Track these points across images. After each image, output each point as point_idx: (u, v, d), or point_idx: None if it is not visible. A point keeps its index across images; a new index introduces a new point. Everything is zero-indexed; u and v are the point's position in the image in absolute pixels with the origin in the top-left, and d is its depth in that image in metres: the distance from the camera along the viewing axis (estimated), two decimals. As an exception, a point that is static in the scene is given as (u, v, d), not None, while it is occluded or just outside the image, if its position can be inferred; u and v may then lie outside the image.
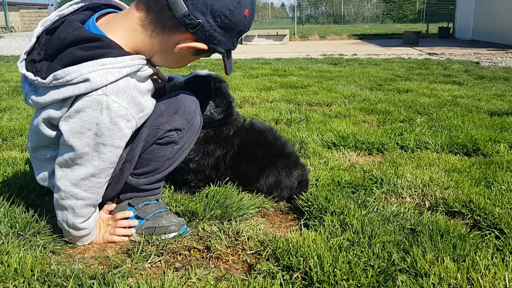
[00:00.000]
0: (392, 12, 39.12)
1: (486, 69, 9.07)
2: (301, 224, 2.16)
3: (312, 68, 8.92)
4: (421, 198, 2.43)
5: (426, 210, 2.26)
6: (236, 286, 1.57)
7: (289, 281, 1.61)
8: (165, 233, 2.01)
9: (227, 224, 2.08)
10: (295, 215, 2.32)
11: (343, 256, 1.69)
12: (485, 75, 7.93)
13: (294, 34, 20.98)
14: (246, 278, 1.64)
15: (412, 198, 2.44)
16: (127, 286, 1.56)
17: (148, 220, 2.03)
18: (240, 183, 2.41)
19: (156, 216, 2.03)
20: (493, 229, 2.00)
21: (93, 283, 1.57)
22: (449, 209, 2.26)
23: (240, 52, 14.09)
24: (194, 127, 2.01)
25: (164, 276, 1.68)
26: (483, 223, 2.07)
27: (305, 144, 3.38)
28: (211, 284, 1.60)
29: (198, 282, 1.65)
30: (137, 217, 2.03)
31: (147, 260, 1.84)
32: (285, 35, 18.63)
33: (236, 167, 2.39)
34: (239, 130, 2.38)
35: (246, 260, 1.85)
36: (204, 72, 2.26)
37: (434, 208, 2.29)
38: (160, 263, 1.85)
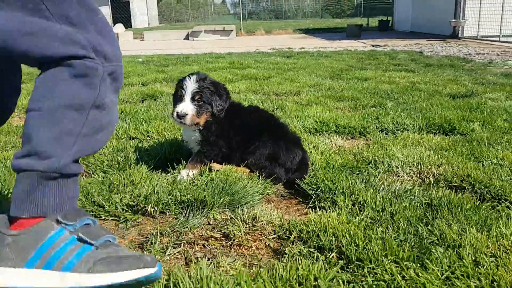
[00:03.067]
0: (330, 8, 40.03)
1: (430, 57, 9.48)
2: (309, 207, 2.13)
3: (267, 61, 8.92)
4: (418, 175, 2.48)
5: (428, 186, 2.30)
6: (273, 271, 1.50)
7: (325, 261, 1.58)
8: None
9: (240, 211, 2.02)
10: (299, 199, 2.29)
11: (374, 233, 1.67)
12: (431, 63, 8.29)
13: (241, 29, 20.92)
14: (282, 262, 1.58)
15: (410, 176, 2.48)
16: (165, 274, 1.45)
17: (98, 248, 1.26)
18: (245, 159, 2.51)
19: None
20: (501, 200, 2.06)
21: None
22: (450, 184, 2.31)
23: (188, 48, 13.87)
24: None
25: (190, 266, 1.59)
26: (487, 195, 2.14)
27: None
28: (241, 271, 1.52)
29: (229, 270, 1.57)
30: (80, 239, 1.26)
31: (165, 252, 1.74)
32: (232, 30, 18.54)
33: (243, 143, 2.54)
34: (244, 113, 2.65)
35: (270, 245, 1.80)
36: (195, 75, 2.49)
37: (435, 184, 2.33)
38: (180, 254, 1.75)
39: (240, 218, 1.95)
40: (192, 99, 2.40)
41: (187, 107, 2.38)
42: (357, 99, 4.68)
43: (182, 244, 1.81)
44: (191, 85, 2.39)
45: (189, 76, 2.44)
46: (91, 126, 1.27)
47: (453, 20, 14.40)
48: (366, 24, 22.62)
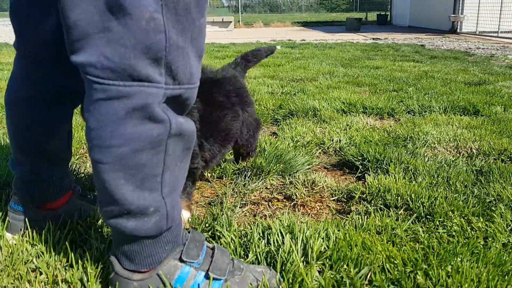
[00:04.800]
0: (325, 2, 40.14)
1: (433, 50, 9.60)
2: (357, 176, 2.23)
3: (273, 50, 8.97)
4: (456, 150, 2.58)
5: (469, 158, 2.40)
6: (352, 221, 1.59)
7: (394, 216, 1.67)
8: None
9: (297, 176, 2.10)
10: (344, 170, 2.37)
11: (437, 193, 1.77)
12: (435, 55, 8.41)
13: (239, 21, 20.95)
14: (348, 216, 1.67)
15: (448, 150, 2.58)
16: (262, 225, 1.53)
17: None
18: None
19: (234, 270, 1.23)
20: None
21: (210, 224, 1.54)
22: (488, 158, 2.42)
23: (189, 37, 13.83)
24: None
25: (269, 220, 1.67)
26: (529, 166, 2.25)
27: (318, 110, 3.45)
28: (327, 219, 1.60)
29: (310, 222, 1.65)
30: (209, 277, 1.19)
31: (233, 210, 1.82)
32: (231, 22, 18.55)
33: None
34: None
35: (332, 206, 1.89)
36: None
37: (475, 157, 2.43)
38: (248, 212, 1.84)
39: (300, 182, 2.03)
40: None
41: None
42: (375, 84, 4.77)
43: (247, 204, 1.90)
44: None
45: None
46: (173, 158, 1.11)
47: (452, 15, 14.56)
48: (365, 18, 22.74)
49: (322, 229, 1.42)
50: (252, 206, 1.89)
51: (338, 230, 1.44)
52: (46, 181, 1.44)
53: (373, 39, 13.28)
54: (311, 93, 4.26)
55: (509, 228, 1.55)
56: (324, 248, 1.33)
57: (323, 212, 1.84)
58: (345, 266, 1.23)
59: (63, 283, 1.19)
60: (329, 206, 1.89)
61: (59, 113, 1.40)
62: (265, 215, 1.80)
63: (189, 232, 1.23)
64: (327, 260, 1.28)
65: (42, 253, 1.31)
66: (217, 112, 1.78)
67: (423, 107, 3.59)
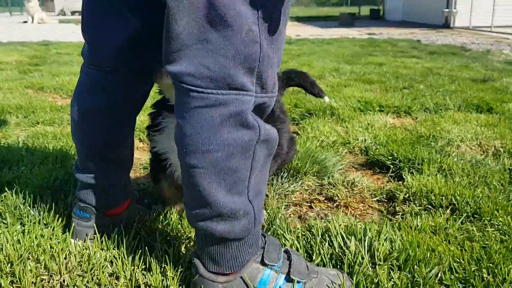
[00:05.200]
0: (315, -4, 40.20)
1: (429, 45, 9.70)
2: (389, 176, 2.27)
3: (273, 46, 8.99)
4: (480, 148, 2.64)
5: (495, 157, 2.46)
6: (404, 222, 1.64)
7: (444, 216, 1.72)
8: None
9: (337, 176, 2.15)
10: (374, 170, 2.42)
11: (481, 193, 1.83)
12: (433, 50, 8.51)
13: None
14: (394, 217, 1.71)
15: (472, 149, 2.64)
16: (320, 227, 1.57)
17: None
18: None
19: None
20: None
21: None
22: (514, 155, 2.49)
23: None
24: None
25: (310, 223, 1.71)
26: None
27: (335, 109, 3.49)
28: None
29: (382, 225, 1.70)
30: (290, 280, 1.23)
31: (278, 212, 1.86)
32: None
33: None
34: None
35: (375, 207, 1.93)
36: None
37: (502, 156, 2.50)
38: (292, 214, 1.87)
39: (339, 182, 2.08)
40: None
41: None
42: (383, 82, 4.83)
43: (290, 205, 1.94)
44: None
45: None
46: (258, 163, 1.15)
47: (446, 10, 14.70)
48: (358, 12, 22.83)
49: (383, 231, 1.47)
50: (295, 207, 1.94)
51: (400, 232, 1.48)
52: (113, 188, 1.47)
53: (368, 34, 13.35)
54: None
55: (555, 226, 1.61)
56: (389, 250, 1.38)
57: (367, 213, 1.89)
58: (416, 267, 1.28)
59: (147, 287, 1.22)
60: (372, 207, 1.93)
61: (128, 121, 1.44)
62: (310, 217, 1.84)
63: (264, 237, 1.27)
64: (395, 261, 1.33)
65: (115, 258, 1.34)
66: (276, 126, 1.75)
67: (438, 105, 3.66)
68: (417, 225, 1.58)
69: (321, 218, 1.82)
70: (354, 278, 1.28)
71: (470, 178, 2.03)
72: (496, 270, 1.27)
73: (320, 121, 3.22)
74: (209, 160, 1.08)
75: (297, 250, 1.45)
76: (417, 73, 5.44)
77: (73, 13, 27.71)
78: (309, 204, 1.96)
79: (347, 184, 2.08)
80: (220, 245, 1.16)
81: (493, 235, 1.53)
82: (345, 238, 1.43)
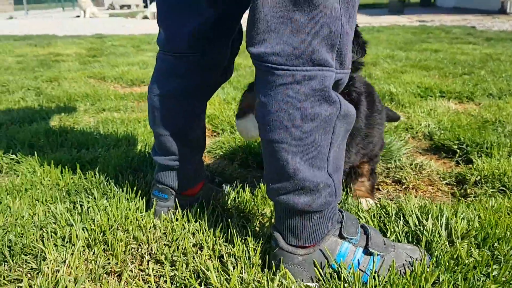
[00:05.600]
0: (363, -16, 39.23)
1: (486, 32, 9.30)
2: (457, 160, 2.23)
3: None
4: (551, 133, 2.55)
5: None
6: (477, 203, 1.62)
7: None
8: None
9: (404, 160, 2.14)
10: (440, 154, 2.37)
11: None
12: (490, 37, 8.15)
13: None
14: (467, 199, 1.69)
15: (542, 134, 2.55)
16: (392, 207, 1.58)
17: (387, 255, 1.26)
18: None
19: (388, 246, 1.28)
20: None
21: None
22: None
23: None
24: None
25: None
26: None
27: (394, 95, 3.45)
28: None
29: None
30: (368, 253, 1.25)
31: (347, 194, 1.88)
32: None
33: None
34: None
35: (444, 189, 1.92)
36: None
37: None
38: (362, 196, 1.89)
39: (407, 165, 2.07)
40: None
41: None
42: (441, 68, 4.70)
43: (358, 188, 1.95)
44: None
45: None
46: (337, 138, 1.17)
47: (503, -6, 14.03)
48: None
49: (459, 211, 1.46)
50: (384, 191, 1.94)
51: (476, 212, 1.47)
52: (189, 169, 1.55)
53: (419, 21, 12.96)
54: (378, 77, 4.25)
55: None
56: (466, 228, 1.37)
57: (437, 196, 1.87)
58: (496, 245, 1.27)
59: (230, 257, 1.28)
60: (441, 190, 1.92)
61: (201, 104, 1.51)
62: (379, 198, 1.85)
63: (341, 212, 1.30)
64: (473, 239, 1.33)
65: (197, 230, 1.41)
66: (376, 117, 1.70)
67: (502, 91, 3.53)
68: (493, 206, 1.55)
69: (391, 200, 1.82)
70: (433, 254, 1.29)
71: (546, 162, 1.97)
72: None
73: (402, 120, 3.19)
74: (294, 134, 1.12)
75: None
76: (476, 59, 5.25)
77: (121, 7, 28.51)
78: (377, 186, 1.97)
79: (415, 167, 2.07)
80: (301, 218, 1.20)
81: None
82: (420, 217, 1.44)
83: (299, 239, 1.22)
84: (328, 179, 1.18)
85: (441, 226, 1.37)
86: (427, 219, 1.41)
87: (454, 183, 1.95)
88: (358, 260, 1.22)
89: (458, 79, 4.08)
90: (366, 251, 1.23)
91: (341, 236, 1.24)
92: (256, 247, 1.30)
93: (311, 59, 1.07)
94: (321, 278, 1.20)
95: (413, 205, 1.53)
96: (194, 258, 1.29)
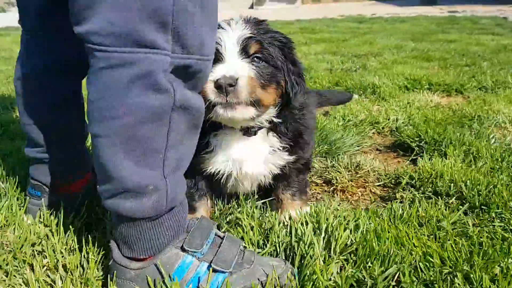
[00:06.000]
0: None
1: (518, 23, 8.73)
2: (412, 159, 2.00)
3: (340, 25, 8.62)
4: (531, 131, 2.26)
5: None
6: (390, 211, 1.40)
7: (444, 206, 1.45)
8: None
9: (341, 159, 1.93)
10: (398, 152, 2.15)
11: (498, 180, 1.53)
12: (520, 27, 7.63)
13: (307, -3, 20.41)
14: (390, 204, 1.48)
15: (521, 131, 2.27)
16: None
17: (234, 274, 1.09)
18: None
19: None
20: None
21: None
22: None
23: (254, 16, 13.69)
24: None
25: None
26: None
27: (377, 87, 3.20)
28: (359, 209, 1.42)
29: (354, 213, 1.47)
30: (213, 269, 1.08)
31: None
32: (298, -2, 18.14)
33: None
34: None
35: (376, 192, 1.70)
36: None
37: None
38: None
39: (342, 165, 1.86)
40: (244, 52, 1.25)
41: (236, 64, 1.22)
42: (445, 59, 4.38)
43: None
44: (237, 30, 1.26)
45: (229, 21, 1.31)
46: (178, 134, 1.02)
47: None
48: (443, -11, 21.27)
49: (352, 219, 1.26)
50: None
51: (370, 221, 1.26)
52: (62, 162, 1.39)
53: (450, 12, 12.36)
54: (373, 68, 3.99)
55: None
56: (351, 241, 1.17)
57: (365, 199, 1.66)
58: (369, 264, 1.07)
59: (64, 268, 1.13)
60: (373, 192, 1.70)
61: (67, 86, 1.34)
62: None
63: (196, 220, 1.13)
64: (352, 255, 1.12)
65: (52, 234, 1.27)
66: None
67: (497, 83, 3.21)
68: (401, 215, 1.33)
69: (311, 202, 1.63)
70: (303, 270, 1.10)
71: (496, 164, 1.71)
72: (472, 276, 1.02)
73: (356, 99, 2.96)
74: (114, 127, 0.95)
75: (254, 236, 1.28)
76: (488, 50, 4.87)
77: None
78: (303, 187, 1.77)
79: (352, 167, 1.85)
80: (131, 225, 1.04)
81: (493, 231, 1.25)
82: (304, 226, 1.24)
83: (133, 251, 1.06)
84: (160, 181, 1.01)
85: (322, 238, 1.18)
86: (308, 228, 1.21)
87: (391, 185, 1.73)
88: (199, 277, 1.05)
89: (456, 70, 3.76)
90: (211, 267, 1.06)
91: (183, 248, 1.06)
92: (97, 257, 1.15)
93: (134, 39, 0.90)
94: None
95: (306, 212, 1.34)
96: (29, 268, 1.14)
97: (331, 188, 1.74)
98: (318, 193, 1.74)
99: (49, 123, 1.33)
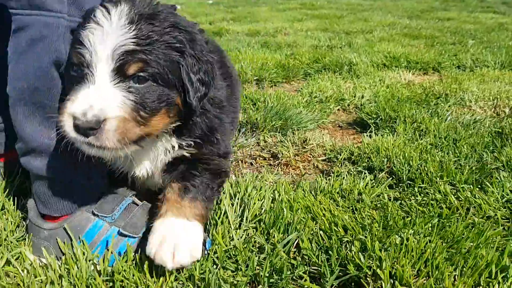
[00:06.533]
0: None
1: (526, 1, 8.54)
2: (366, 135, 2.01)
3: (342, 2, 8.52)
4: (493, 109, 2.26)
5: (501, 119, 2.08)
6: (315, 184, 1.43)
7: (374, 180, 1.48)
8: None
9: (291, 134, 1.95)
10: (357, 129, 2.16)
11: (432, 157, 1.55)
12: (526, 6, 7.48)
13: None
14: (327, 178, 1.51)
15: (483, 110, 2.26)
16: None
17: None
18: None
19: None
20: None
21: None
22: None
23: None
24: None
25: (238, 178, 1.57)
26: None
27: (353, 64, 3.19)
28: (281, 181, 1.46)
29: (275, 184, 1.52)
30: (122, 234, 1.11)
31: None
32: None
33: None
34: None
35: (318, 166, 1.73)
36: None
37: (506, 117, 2.11)
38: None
39: (290, 140, 1.88)
40: (120, 72, 0.97)
41: (104, 96, 0.95)
42: (435, 37, 4.33)
43: (232, 162, 1.79)
44: (114, 35, 0.95)
45: (108, 7, 0.98)
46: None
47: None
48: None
49: (269, 190, 1.29)
50: (235, 163, 1.79)
51: (287, 192, 1.30)
52: None
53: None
54: (358, 46, 3.96)
55: (504, 200, 1.31)
56: (264, 210, 1.21)
57: (306, 173, 1.69)
58: (273, 231, 1.10)
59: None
60: (316, 166, 1.73)
61: None
62: (242, 173, 1.69)
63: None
64: (261, 223, 1.16)
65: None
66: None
67: (477, 62, 3.19)
68: (324, 188, 1.36)
69: (253, 175, 1.66)
70: (216, 238, 1.14)
71: (438, 140, 1.73)
72: (368, 244, 1.05)
73: (329, 76, 2.96)
74: (17, 89, 1.01)
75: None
76: (481, 28, 4.80)
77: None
78: (251, 160, 1.81)
79: (300, 142, 1.88)
80: (44, 183, 1.09)
81: (409, 205, 1.28)
82: (222, 195, 1.28)
83: (47, 208, 1.11)
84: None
85: (236, 206, 1.21)
86: (226, 197, 1.25)
87: (335, 160, 1.76)
88: (107, 241, 1.10)
89: (440, 49, 3.73)
90: (121, 232, 1.11)
91: (93, 212, 1.11)
92: (17, 221, 1.20)
93: (31, 1, 0.94)
94: (63, 258, 1.08)
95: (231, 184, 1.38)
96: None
97: (276, 162, 1.78)
98: (263, 166, 1.77)
99: None
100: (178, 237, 1.00)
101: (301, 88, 2.72)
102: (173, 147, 1.14)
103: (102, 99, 0.92)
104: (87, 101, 0.91)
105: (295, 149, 1.84)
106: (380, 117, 2.08)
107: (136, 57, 0.94)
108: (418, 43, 4.08)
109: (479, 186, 1.37)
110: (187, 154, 1.15)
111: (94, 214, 1.11)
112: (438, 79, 2.89)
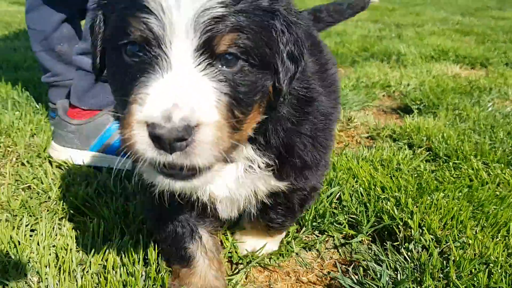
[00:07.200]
0: None
1: None
2: (409, 117, 2.14)
3: (393, -4, 8.47)
4: (537, 104, 2.33)
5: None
6: (358, 153, 1.59)
7: (412, 155, 1.62)
8: None
9: (343, 113, 2.11)
10: (400, 114, 2.28)
11: (469, 137, 1.67)
12: None
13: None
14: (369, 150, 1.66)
15: (526, 104, 2.34)
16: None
17: None
18: None
19: None
20: None
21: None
22: None
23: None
24: None
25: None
26: None
27: (402, 55, 3.28)
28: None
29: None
30: None
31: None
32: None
33: None
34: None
35: (361, 142, 1.88)
36: None
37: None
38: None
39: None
40: (207, 49, 0.67)
41: (193, 88, 0.65)
42: (487, 35, 4.33)
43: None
44: None
45: None
46: None
47: None
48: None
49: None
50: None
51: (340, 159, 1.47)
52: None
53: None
54: (407, 38, 4.03)
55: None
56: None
57: (350, 146, 1.85)
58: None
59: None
60: (359, 142, 1.88)
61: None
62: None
63: None
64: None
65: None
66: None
67: (526, 60, 3.22)
68: (365, 157, 1.52)
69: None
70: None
71: (477, 125, 1.84)
72: (402, 200, 1.20)
73: (376, 64, 3.08)
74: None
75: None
76: (537, 29, 4.74)
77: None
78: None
79: (345, 120, 2.03)
80: (86, 78, 1.35)
81: (442, 175, 1.42)
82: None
83: (80, 101, 1.37)
84: None
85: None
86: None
87: (377, 138, 1.90)
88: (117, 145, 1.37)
89: (490, 45, 3.75)
90: None
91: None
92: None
93: None
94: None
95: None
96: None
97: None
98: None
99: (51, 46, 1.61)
100: None
101: (349, 74, 2.85)
102: (252, 161, 0.86)
103: (188, 94, 0.63)
104: (169, 98, 0.62)
105: (340, 125, 1.99)
106: (424, 103, 2.20)
107: (229, 25, 0.66)
108: (469, 39, 4.10)
109: (511, 167, 1.49)
110: (283, 188, 0.90)
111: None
112: (484, 74, 2.95)
